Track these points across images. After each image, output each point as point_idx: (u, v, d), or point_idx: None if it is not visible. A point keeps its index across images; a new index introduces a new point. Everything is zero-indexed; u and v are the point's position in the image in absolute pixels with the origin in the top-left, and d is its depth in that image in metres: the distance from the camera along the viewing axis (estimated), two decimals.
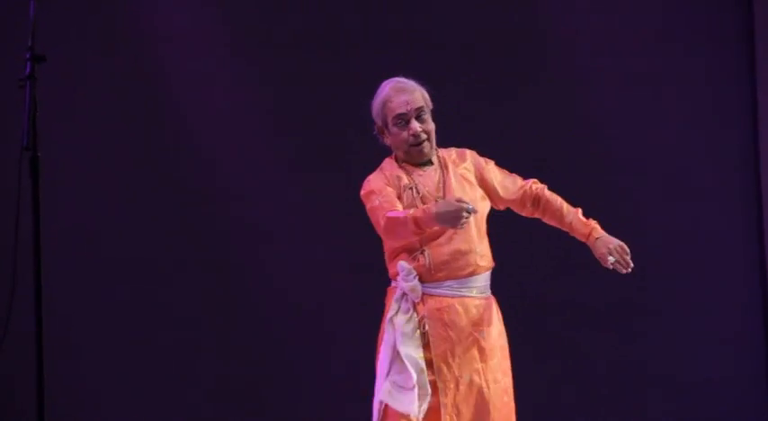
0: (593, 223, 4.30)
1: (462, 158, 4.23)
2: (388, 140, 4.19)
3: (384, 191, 4.06)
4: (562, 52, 6.29)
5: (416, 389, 3.92)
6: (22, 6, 3.59)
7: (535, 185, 4.31)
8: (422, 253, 4.01)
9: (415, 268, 4.01)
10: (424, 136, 4.12)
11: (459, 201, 3.83)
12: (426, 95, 4.21)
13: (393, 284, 4.12)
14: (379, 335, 4.12)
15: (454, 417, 3.98)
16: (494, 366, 4.15)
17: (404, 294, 4.04)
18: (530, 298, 6.20)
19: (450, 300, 4.02)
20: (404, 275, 4.02)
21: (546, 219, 4.35)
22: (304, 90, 6.17)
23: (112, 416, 6.03)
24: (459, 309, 4.03)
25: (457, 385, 4.01)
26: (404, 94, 4.14)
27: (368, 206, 4.08)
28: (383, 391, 3.99)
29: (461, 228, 3.86)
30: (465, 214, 3.80)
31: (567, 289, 6.19)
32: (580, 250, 6.19)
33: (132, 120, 6.12)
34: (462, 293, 4.04)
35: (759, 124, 6.24)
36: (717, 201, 6.29)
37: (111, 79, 6.09)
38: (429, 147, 4.14)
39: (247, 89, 6.19)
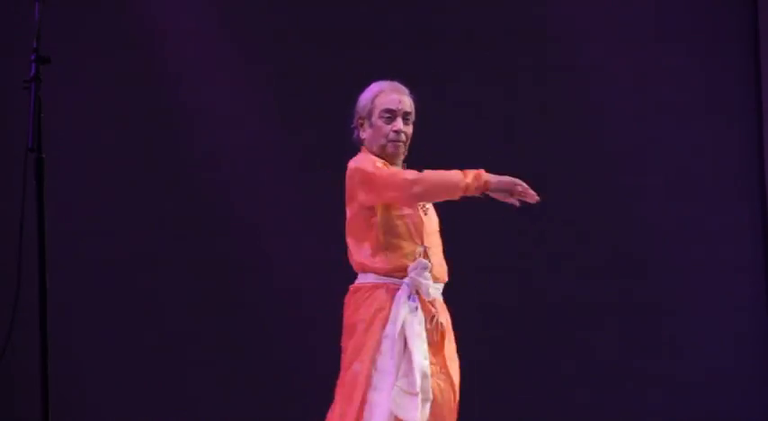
0: None
1: None
2: (364, 134, 4.21)
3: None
4: (564, 51, 6.30)
5: (420, 395, 3.90)
6: (26, 8, 3.60)
7: None
8: (425, 251, 4.04)
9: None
10: (403, 137, 4.17)
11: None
12: (414, 108, 4.24)
13: (366, 281, 4.09)
14: (350, 338, 4.11)
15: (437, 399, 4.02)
16: (443, 361, 4.08)
17: (410, 293, 4.01)
18: (530, 298, 6.21)
19: (439, 300, 4.09)
20: (419, 271, 4.00)
21: None
22: (307, 89, 6.18)
23: (115, 415, 6.05)
24: (440, 309, 4.08)
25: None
26: (398, 93, 4.20)
27: (376, 173, 4.04)
28: (392, 400, 3.93)
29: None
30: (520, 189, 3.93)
31: (568, 288, 6.19)
32: (581, 250, 6.24)
33: (136, 121, 6.14)
34: (440, 296, 4.12)
35: (763, 123, 6.24)
36: (720, 200, 6.28)
37: (114, 80, 6.11)
38: (403, 150, 4.19)
39: (251, 89, 6.20)
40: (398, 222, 4.06)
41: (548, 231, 6.24)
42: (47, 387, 3.24)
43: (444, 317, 4.08)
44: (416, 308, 4.00)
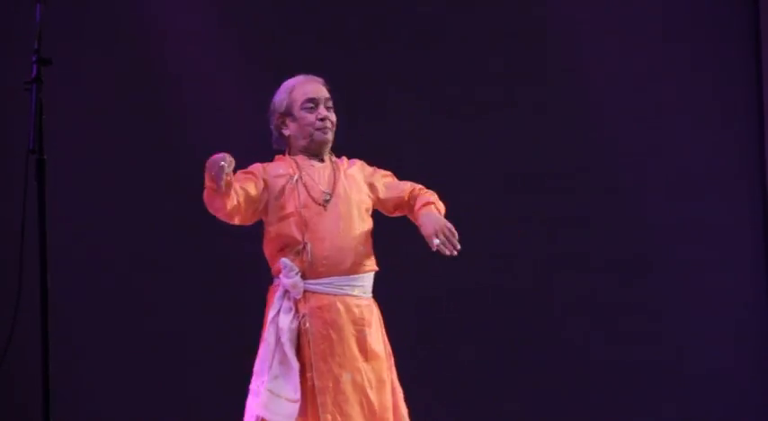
0: (433, 199, 4.13)
1: (352, 164, 4.24)
2: (288, 131, 4.19)
3: (246, 173, 4.13)
4: (564, 51, 6.30)
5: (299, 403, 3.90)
6: (27, 9, 3.60)
7: (420, 189, 4.22)
8: (304, 247, 4.01)
9: (297, 264, 4.01)
10: (329, 123, 4.15)
11: (221, 157, 3.79)
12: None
13: (275, 282, 4.12)
14: (262, 335, 4.11)
15: (337, 417, 3.93)
16: (378, 367, 4.04)
17: (285, 292, 4.03)
18: (529, 297, 6.21)
19: (331, 297, 4.01)
20: (285, 272, 4.01)
21: (409, 214, 4.21)
22: None
23: (115, 415, 6.05)
24: (341, 307, 4.01)
25: (337, 384, 3.96)
26: (315, 83, 4.20)
27: None
28: (260, 404, 3.96)
29: (219, 177, 3.79)
30: (222, 163, 3.76)
31: (567, 288, 6.20)
32: (580, 249, 6.23)
33: (136, 121, 6.14)
34: (344, 291, 4.02)
35: (764, 123, 6.25)
36: (720, 200, 6.28)
37: (114, 81, 6.11)
38: (331, 137, 4.17)
39: (251, 89, 6.19)
40: (283, 221, 4.06)
41: (547, 231, 6.24)
42: (48, 387, 3.25)
43: (343, 317, 4.00)
44: (290, 308, 4.01)
